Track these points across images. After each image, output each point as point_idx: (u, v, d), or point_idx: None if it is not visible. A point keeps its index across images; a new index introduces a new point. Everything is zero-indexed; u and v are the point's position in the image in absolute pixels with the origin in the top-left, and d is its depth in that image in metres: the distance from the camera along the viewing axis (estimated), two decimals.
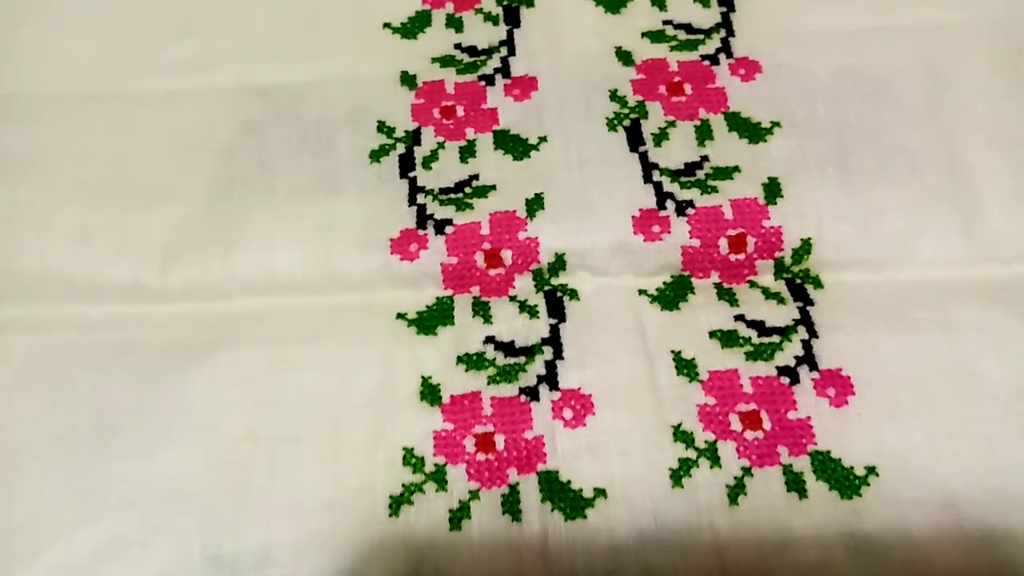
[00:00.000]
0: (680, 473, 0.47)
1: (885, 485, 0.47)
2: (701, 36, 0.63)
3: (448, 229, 0.55)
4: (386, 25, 0.65)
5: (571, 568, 0.46)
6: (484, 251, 0.54)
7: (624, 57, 0.62)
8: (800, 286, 0.54)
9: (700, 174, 0.57)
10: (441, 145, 0.59)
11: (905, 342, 0.51)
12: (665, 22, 0.64)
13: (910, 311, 0.52)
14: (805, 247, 0.54)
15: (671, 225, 0.55)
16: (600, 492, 0.47)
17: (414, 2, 0.66)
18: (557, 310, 0.53)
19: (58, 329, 0.53)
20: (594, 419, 0.49)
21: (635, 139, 0.58)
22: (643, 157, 0.57)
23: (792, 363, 0.51)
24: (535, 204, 0.56)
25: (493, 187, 0.57)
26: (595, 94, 0.60)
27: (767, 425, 0.49)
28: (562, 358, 0.51)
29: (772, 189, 0.56)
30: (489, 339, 0.52)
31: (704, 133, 0.58)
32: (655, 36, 0.63)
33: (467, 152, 0.58)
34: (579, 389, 0.50)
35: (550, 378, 0.51)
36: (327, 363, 0.51)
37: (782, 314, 0.53)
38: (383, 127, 0.60)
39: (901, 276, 0.53)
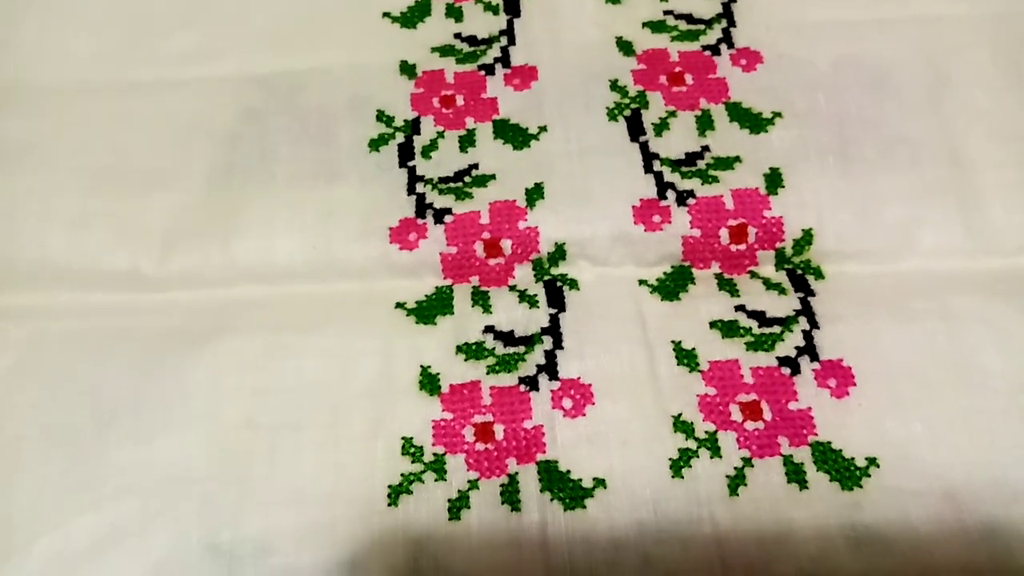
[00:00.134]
0: (680, 463, 0.47)
1: (886, 476, 0.47)
2: (702, 26, 0.63)
3: (447, 218, 0.55)
4: (386, 14, 0.64)
5: (570, 558, 0.45)
6: (484, 240, 0.54)
7: (625, 47, 0.62)
8: (801, 276, 0.54)
9: (701, 164, 0.57)
10: (441, 134, 0.59)
11: (906, 333, 0.51)
12: (666, 12, 0.64)
13: (911, 302, 0.52)
14: (806, 237, 0.54)
15: (672, 215, 0.55)
16: (600, 482, 0.47)
17: None
18: (557, 300, 0.53)
19: (56, 317, 0.53)
20: (594, 409, 0.49)
21: (636, 129, 0.58)
22: (644, 147, 0.57)
23: (793, 354, 0.51)
24: (535, 194, 0.56)
25: (493, 176, 0.57)
26: (595, 84, 0.60)
27: (768, 416, 0.48)
28: (562, 348, 0.51)
29: (773, 179, 0.56)
30: (488, 329, 0.52)
31: (705, 123, 0.58)
32: (656, 26, 0.63)
33: (467, 141, 0.58)
34: (579, 379, 0.50)
35: (550, 368, 0.51)
36: (327, 352, 0.51)
37: (783, 304, 0.52)
38: (383, 116, 0.59)
39: (902, 267, 0.53)
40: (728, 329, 0.52)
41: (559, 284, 0.54)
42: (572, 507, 0.47)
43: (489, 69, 0.62)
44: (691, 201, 0.55)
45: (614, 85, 0.60)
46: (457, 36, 0.64)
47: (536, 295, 0.53)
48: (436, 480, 0.47)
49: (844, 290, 0.53)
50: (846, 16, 0.62)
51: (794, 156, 0.56)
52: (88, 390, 0.50)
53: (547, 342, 0.51)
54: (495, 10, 0.64)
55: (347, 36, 0.63)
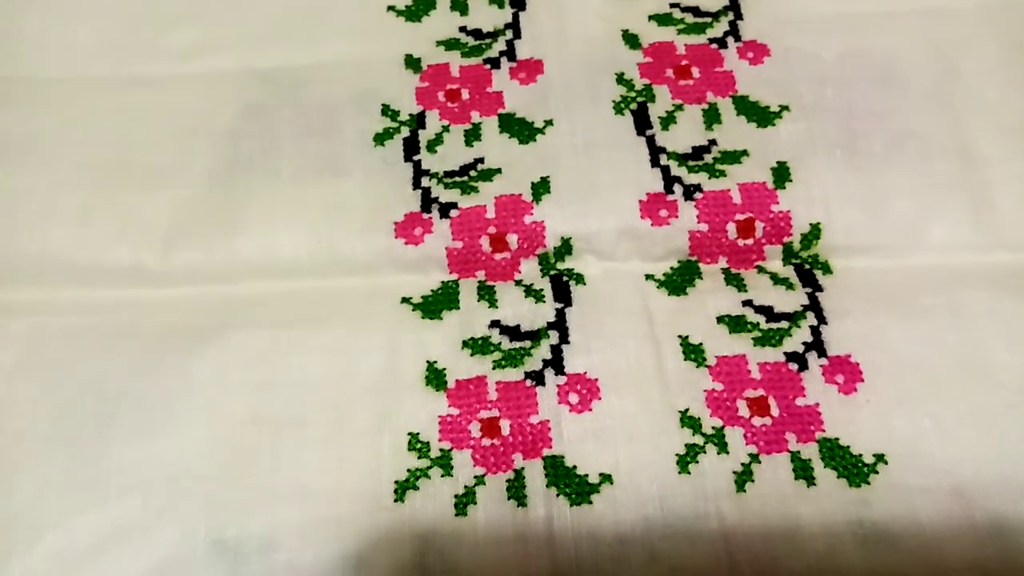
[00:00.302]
0: (687, 459, 0.47)
1: (894, 473, 0.46)
2: (709, 19, 0.63)
3: (453, 213, 0.55)
4: (390, 8, 0.64)
5: (576, 554, 0.45)
6: (489, 235, 0.54)
7: (631, 40, 0.62)
8: (809, 271, 0.53)
9: (708, 158, 0.56)
10: (446, 128, 0.58)
11: (914, 329, 0.50)
12: (672, 5, 0.63)
13: (919, 297, 0.52)
14: (814, 232, 0.54)
15: (679, 209, 0.54)
16: (606, 478, 0.47)
17: None
18: (563, 294, 0.53)
19: (59, 312, 0.53)
20: (600, 404, 0.49)
21: (642, 123, 0.58)
22: (650, 141, 0.57)
23: (801, 349, 0.50)
24: (541, 188, 0.55)
25: (498, 171, 0.56)
26: (601, 77, 0.60)
27: (775, 411, 0.48)
28: (568, 343, 0.51)
29: (781, 173, 0.55)
30: (494, 323, 0.52)
31: (712, 117, 0.58)
32: (662, 19, 0.63)
33: (472, 135, 0.58)
34: (585, 374, 0.50)
35: (556, 363, 0.50)
36: (331, 347, 0.51)
37: (791, 300, 0.52)
38: (387, 110, 0.59)
39: (910, 261, 0.53)
40: (735, 324, 0.51)
41: (565, 279, 0.53)
42: (578, 503, 0.46)
43: (494, 63, 0.61)
44: (698, 195, 0.55)
45: (620, 78, 0.60)
46: (462, 29, 0.63)
47: (542, 290, 0.53)
48: (442, 476, 0.47)
49: (852, 285, 0.52)
50: (853, 9, 0.62)
51: (802, 150, 0.56)
52: (90, 386, 0.50)
53: (553, 337, 0.51)
54: (500, 3, 0.64)
55: (351, 30, 0.63)
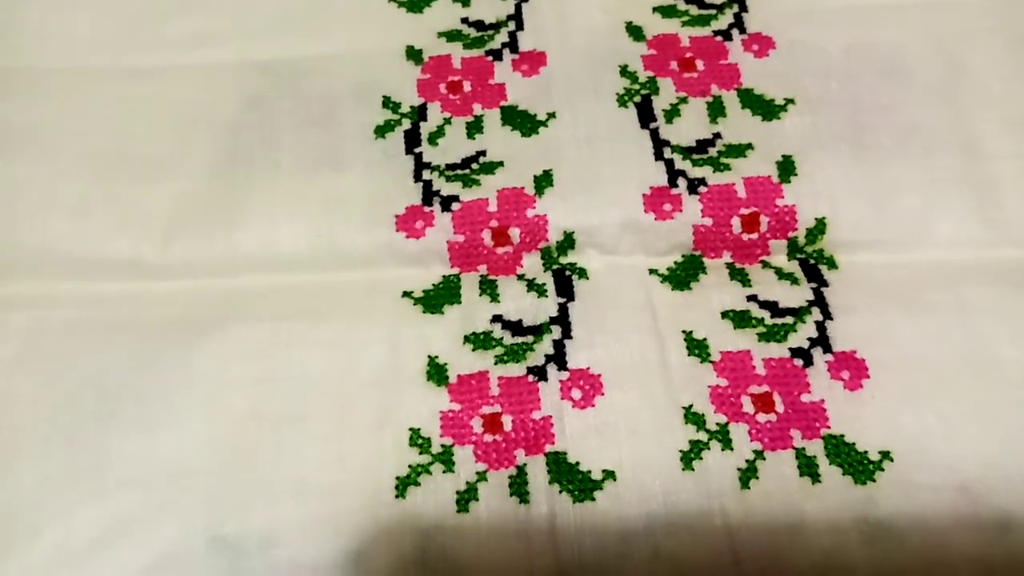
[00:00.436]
0: (691, 455, 0.47)
1: (900, 470, 0.46)
2: (713, 11, 0.62)
3: (455, 206, 0.54)
4: None
5: (579, 551, 0.45)
6: (491, 229, 0.54)
7: (635, 32, 0.61)
8: (814, 267, 0.53)
9: (712, 151, 0.56)
10: (448, 121, 0.58)
11: (920, 325, 0.50)
12: None
13: (925, 293, 0.51)
14: (819, 227, 0.53)
15: (683, 203, 0.54)
16: (609, 474, 0.46)
17: None
18: (566, 289, 0.52)
19: (58, 305, 0.52)
20: (603, 399, 0.49)
21: (646, 115, 0.57)
22: (654, 134, 0.56)
23: (806, 345, 0.50)
24: (543, 181, 0.55)
25: (501, 163, 0.56)
26: (605, 70, 0.59)
27: (780, 408, 0.48)
28: (571, 337, 0.51)
29: (786, 167, 0.55)
30: (496, 318, 0.52)
31: (716, 110, 0.57)
32: (666, 11, 0.62)
33: (474, 128, 0.58)
34: (588, 369, 0.49)
35: (558, 358, 0.50)
36: (332, 341, 0.51)
37: (796, 295, 0.52)
38: (388, 102, 0.59)
39: (916, 257, 0.53)
40: (740, 319, 0.51)
41: (568, 273, 0.53)
42: (581, 499, 0.46)
43: (497, 54, 0.61)
44: (702, 189, 0.54)
45: (624, 71, 0.59)
46: (464, 21, 0.63)
47: (545, 284, 0.53)
48: (444, 472, 0.47)
49: (858, 280, 0.52)
50: (859, 1, 0.61)
51: (807, 143, 0.56)
52: (90, 380, 0.50)
53: (556, 332, 0.51)
54: None
55: (352, 21, 0.63)
